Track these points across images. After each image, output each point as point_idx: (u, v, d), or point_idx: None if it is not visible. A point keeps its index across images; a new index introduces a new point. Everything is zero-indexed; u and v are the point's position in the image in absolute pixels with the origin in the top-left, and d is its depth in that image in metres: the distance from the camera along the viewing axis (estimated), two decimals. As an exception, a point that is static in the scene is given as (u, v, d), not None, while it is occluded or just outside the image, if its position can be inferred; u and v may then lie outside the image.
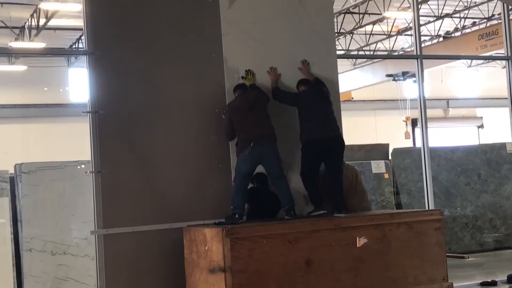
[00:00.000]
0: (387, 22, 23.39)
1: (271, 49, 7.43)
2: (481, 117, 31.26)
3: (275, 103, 7.11)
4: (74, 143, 15.06)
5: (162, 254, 6.79)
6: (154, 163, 6.94)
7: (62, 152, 16.79)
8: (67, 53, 24.82)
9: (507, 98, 9.67)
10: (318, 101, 7.08)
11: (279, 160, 6.79)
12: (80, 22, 18.26)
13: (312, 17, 7.67)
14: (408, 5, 19.93)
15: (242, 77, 7.19)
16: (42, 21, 19.55)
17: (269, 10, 7.54)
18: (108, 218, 6.65)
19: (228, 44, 7.25)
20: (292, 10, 7.62)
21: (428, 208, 8.83)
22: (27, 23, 20.25)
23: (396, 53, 25.52)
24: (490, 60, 27.81)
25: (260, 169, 6.87)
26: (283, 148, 6.89)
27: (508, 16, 9.84)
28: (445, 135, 27.06)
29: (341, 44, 24.00)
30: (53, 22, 19.79)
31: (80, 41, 21.69)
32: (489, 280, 9.08)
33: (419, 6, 9.60)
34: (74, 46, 22.20)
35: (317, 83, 7.27)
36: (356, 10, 22.02)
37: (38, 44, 20.24)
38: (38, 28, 19.80)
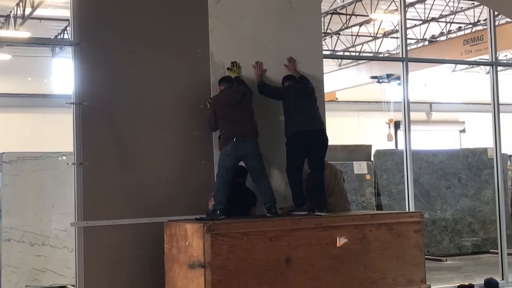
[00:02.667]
0: (374, 24, 23.46)
1: (257, 46, 7.43)
2: (463, 122, 31.46)
3: (258, 100, 7.10)
4: (56, 134, 14.97)
5: (142, 248, 6.78)
6: (136, 157, 6.93)
7: (44, 143, 16.71)
8: (53, 43, 24.66)
9: (490, 104, 9.74)
10: (303, 96, 7.10)
11: (261, 157, 6.78)
12: (66, 13, 18.16)
13: (300, 16, 7.68)
14: (395, 8, 20.00)
15: (228, 69, 7.19)
16: (28, 11, 19.40)
17: (258, 7, 7.54)
18: (88, 211, 6.62)
19: (215, 39, 7.25)
20: (281, 9, 7.63)
21: (409, 210, 8.88)
22: (12, 12, 20.08)
23: (381, 55, 25.59)
24: (474, 65, 27.97)
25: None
26: (265, 145, 6.89)
27: (494, 21, 9.91)
28: (427, 139, 27.19)
29: (327, 45, 24.03)
30: (39, 12, 19.64)
31: (65, 31, 21.55)
32: (467, 284, 9.17)
33: (406, 9, 9.63)
34: (59, 37, 22.04)
35: (303, 79, 7.29)
36: (343, 11, 22.06)
37: (23, 34, 20.08)
38: (24, 18, 19.65)
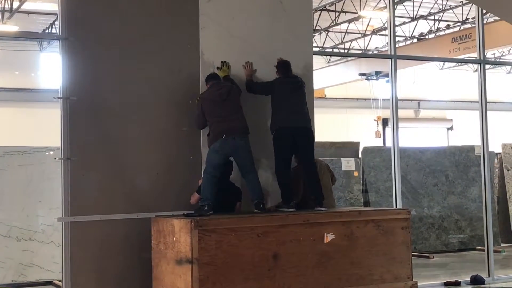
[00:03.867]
0: (363, 21, 23.49)
1: (248, 45, 7.41)
2: (451, 119, 31.57)
3: (247, 97, 7.10)
4: (44, 128, 14.90)
5: (129, 243, 6.77)
6: (124, 152, 6.91)
7: (31, 138, 16.63)
8: (41, 38, 24.54)
9: (477, 102, 9.77)
10: (292, 90, 7.10)
11: (250, 154, 6.79)
12: (54, 7, 18.07)
13: (291, 16, 7.65)
14: (384, 5, 20.04)
15: (218, 68, 7.17)
16: (15, 4, 19.29)
17: (249, 6, 7.51)
18: (75, 206, 6.60)
19: (205, 38, 7.22)
20: (272, 9, 7.60)
21: (396, 207, 8.91)
22: (0, 6, 19.96)
23: (370, 53, 25.64)
24: (462, 63, 28.07)
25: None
26: (253, 141, 6.89)
27: (482, 20, 9.94)
28: (415, 136, 27.28)
29: (316, 41, 24.04)
30: (26, 6, 19.53)
31: (53, 26, 21.44)
32: (453, 280, 9.21)
33: (395, 7, 9.65)
34: (47, 31, 21.93)
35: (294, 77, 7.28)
36: (332, 8, 22.08)
37: (11, 27, 19.96)
38: (11, 11, 19.53)
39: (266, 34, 7.54)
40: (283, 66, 7.23)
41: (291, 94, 7.08)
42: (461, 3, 21.30)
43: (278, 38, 7.55)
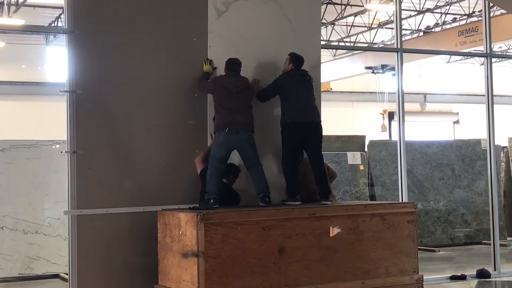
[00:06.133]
0: (369, 14, 23.43)
1: (256, 63, 7.31)
2: (457, 113, 31.51)
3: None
4: (50, 122, 14.93)
5: (135, 237, 6.78)
6: (130, 146, 6.91)
7: (38, 131, 16.66)
8: (47, 31, 24.57)
9: (484, 95, 9.75)
10: (300, 85, 7.08)
11: (255, 147, 6.77)
12: (60, 0, 18.08)
13: (299, 36, 7.52)
14: (390, -2, 19.98)
15: (204, 62, 7.10)
16: (21, -2, 19.32)
17: (258, 25, 7.44)
18: (82, 199, 6.61)
19: (214, 56, 7.13)
20: (281, 28, 7.54)
21: (402, 201, 8.90)
22: (6, -1, 19.99)
23: (376, 46, 25.58)
24: (468, 57, 27.98)
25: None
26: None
27: (489, 13, 9.91)
28: (421, 130, 27.23)
29: (322, 35, 23.99)
30: (32, -1, 19.58)
31: (59, 19, 21.45)
32: (459, 274, 9.21)
33: (401, 0, 9.63)
34: (53, 24, 21.95)
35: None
36: (338, 1, 22.03)
37: (17, 21, 19.98)
38: (18, 5, 19.55)
39: (274, 53, 7.42)
40: (297, 59, 7.19)
41: (300, 88, 7.05)
42: (467, -4, 21.23)
43: (286, 56, 7.30)
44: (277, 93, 7.11)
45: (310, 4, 7.86)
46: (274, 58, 7.39)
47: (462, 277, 9.13)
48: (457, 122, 31.52)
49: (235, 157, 6.89)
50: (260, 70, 7.32)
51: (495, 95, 9.80)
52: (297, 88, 7.04)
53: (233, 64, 6.93)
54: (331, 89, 26.95)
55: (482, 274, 9.24)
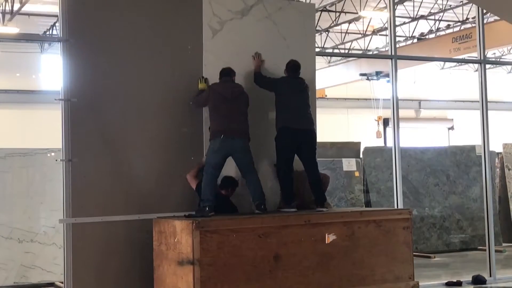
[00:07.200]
0: (363, 22, 23.50)
1: (251, 81, 7.29)
2: (452, 119, 31.58)
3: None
4: (45, 130, 14.92)
5: (131, 245, 6.77)
6: (125, 154, 6.91)
7: (33, 139, 16.65)
8: (41, 39, 24.54)
9: (478, 101, 9.78)
10: (296, 92, 7.11)
11: (250, 154, 6.79)
12: (55, 9, 18.07)
13: (294, 53, 7.50)
14: (384, 5, 20.04)
15: (199, 80, 7.11)
16: (16, 6, 19.31)
17: (252, 43, 7.45)
18: (77, 207, 6.60)
19: (209, 74, 7.13)
20: (275, 45, 7.56)
21: (397, 207, 8.91)
22: (1, 8, 19.98)
23: (370, 53, 25.64)
24: (462, 63, 28.06)
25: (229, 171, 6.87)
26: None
27: (483, 19, 9.95)
28: (416, 136, 27.28)
29: (316, 42, 24.05)
30: (27, 8, 19.55)
31: (54, 27, 21.46)
32: (455, 280, 9.20)
33: (395, 7, 9.66)
34: (48, 33, 21.95)
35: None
36: (332, 8, 22.09)
37: (11, 29, 19.98)
38: (12, 13, 19.55)
39: (270, 69, 7.43)
40: (292, 66, 7.22)
41: (295, 94, 7.09)
42: (461, 3, 21.30)
43: (281, 74, 7.35)
44: (270, 88, 7.14)
45: (304, 21, 7.89)
46: (269, 75, 7.39)
47: (458, 283, 9.13)
48: (451, 128, 31.59)
49: (231, 170, 6.90)
50: (256, 88, 7.28)
51: (490, 101, 9.82)
52: (291, 94, 7.07)
53: (227, 73, 6.96)
54: (326, 95, 27.00)
55: (477, 280, 9.24)
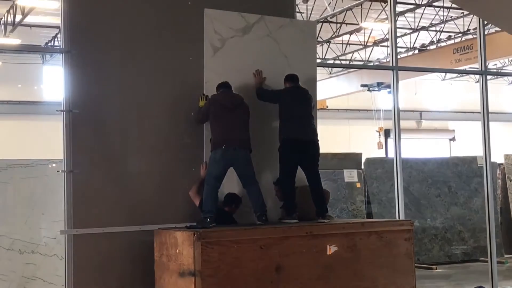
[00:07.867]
0: (364, 33, 23.56)
1: (252, 98, 7.21)
2: (453, 130, 31.60)
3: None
4: (46, 141, 14.93)
5: (132, 256, 6.75)
6: (126, 165, 6.91)
7: (34, 150, 16.66)
8: (43, 51, 24.66)
9: (479, 112, 9.78)
10: (300, 102, 7.11)
11: (251, 165, 6.76)
12: (56, 20, 18.14)
13: (295, 71, 7.41)
14: (385, 16, 20.10)
15: (200, 97, 7.13)
16: (18, 17, 19.38)
17: (253, 61, 7.42)
18: (78, 218, 6.59)
19: (210, 91, 7.08)
20: (276, 63, 7.53)
21: (399, 218, 8.89)
22: (3, 19, 20.06)
23: (371, 64, 25.68)
24: (464, 74, 28.11)
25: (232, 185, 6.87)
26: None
27: (484, 31, 9.96)
28: (417, 147, 27.29)
29: (318, 53, 24.12)
30: (29, 19, 19.63)
31: (56, 39, 21.53)
32: (456, 292, 9.19)
33: (396, 18, 9.67)
34: (50, 44, 22.02)
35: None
36: (334, 19, 22.15)
37: (13, 41, 20.05)
38: (14, 24, 19.62)
39: (271, 87, 7.37)
40: (292, 77, 7.22)
41: (299, 105, 7.09)
42: (462, 14, 21.35)
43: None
44: (274, 101, 7.14)
45: (305, 40, 7.88)
46: None
47: (460, 295, 9.12)
48: (453, 139, 31.60)
49: (233, 182, 6.90)
50: (257, 105, 7.23)
51: (491, 112, 9.82)
52: (295, 105, 7.07)
53: (225, 85, 6.95)
54: (327, 106, 27.05)
55: (479, 292, 9.23)
